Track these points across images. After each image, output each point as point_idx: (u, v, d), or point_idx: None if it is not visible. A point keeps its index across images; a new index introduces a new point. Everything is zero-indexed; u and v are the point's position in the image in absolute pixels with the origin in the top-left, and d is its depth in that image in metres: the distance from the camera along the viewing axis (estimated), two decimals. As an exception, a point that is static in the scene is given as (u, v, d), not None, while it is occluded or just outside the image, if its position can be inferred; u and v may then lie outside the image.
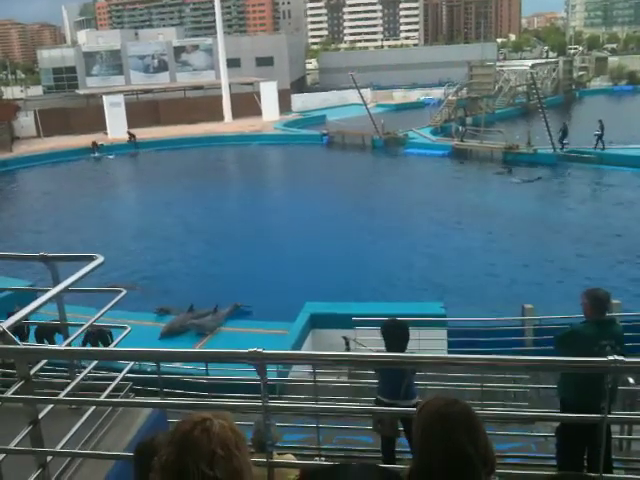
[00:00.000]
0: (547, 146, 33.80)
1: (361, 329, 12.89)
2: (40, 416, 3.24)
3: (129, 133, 46.03)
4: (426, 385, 8.39)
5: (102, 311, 4.33)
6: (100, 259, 4.19)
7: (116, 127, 47.37)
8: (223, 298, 17.19)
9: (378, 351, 6.37)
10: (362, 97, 43.21)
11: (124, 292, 4.49)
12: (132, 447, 3.95)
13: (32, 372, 3.25)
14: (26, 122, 51.21)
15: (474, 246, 21.52)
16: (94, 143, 43.88)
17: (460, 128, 39.70)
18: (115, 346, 4.50)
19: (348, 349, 12.83)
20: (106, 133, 47.40)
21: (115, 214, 29.63)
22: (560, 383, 5.47)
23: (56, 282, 4.09)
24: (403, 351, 5.70)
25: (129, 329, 4.65)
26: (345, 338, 12.82)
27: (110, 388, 4.21)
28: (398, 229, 23.86)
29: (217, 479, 1.75)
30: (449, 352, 12.91)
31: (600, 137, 33.09)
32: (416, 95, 67.30)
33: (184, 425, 1.83)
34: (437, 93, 57.88)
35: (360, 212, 26.62)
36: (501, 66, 58.23)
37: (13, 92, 72.79)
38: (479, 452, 2.16)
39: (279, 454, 4.82)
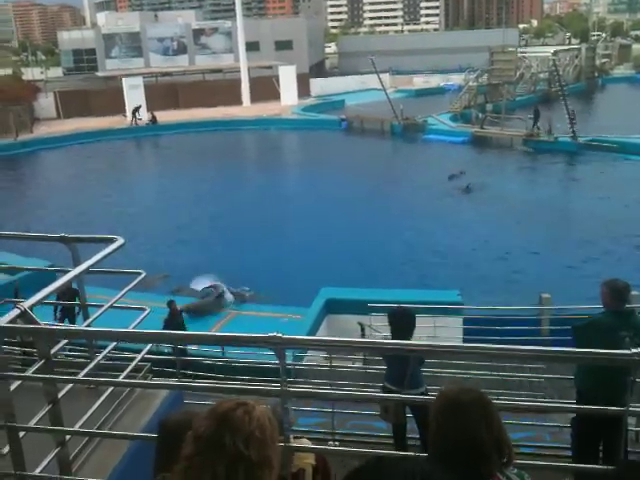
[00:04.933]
0: (568, 134, 33.43)
1: (376, 315, 12.93)
2: (59, 395, 3.27)
3: (152, 114, 46.35)
4: (439, 373, 8.38)
5: (122, 292, 4.36)
6: (120, 241, 4.20)
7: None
8: (239, 282, 17.34)
9: (393, 307, 6.37)
10: (381, 82, 42.87)
11: (144, 274, 4.51)
12: (149, 428, 4.00)
13: (52, 352, 3.29)
14: (46, 103, 51.50)
15: (492, 233, 21.41)
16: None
17: (480, 115, 39.36)
18: (134, 328, 4.52)
19: (363, 335, 12.85)
20: (125, 115, 47.51)
21: (132, 197, 29.73)
22: (577, 374, 5.43)
23: (76, 263, 4.11)
24: (408, 339, 5.69)
25: (148, 310, 4.67)
26: (360, 324, 12.83)
27: (129, 369, 4.25)
28: (417, 215, 23.78)
29: (250, 459, 1.77)
30: (464, 340, 12.91)
31: (571, 129, 33.43)
32: (436, 81, 66.67)
33: (227, 404, 1.87)
34: (457, 79, 57.26)
35: (378, 197, 26.55)
36: (523, 52, 57.37)
37: (33, 73, 73.05)
38: (493, 438, 2.16)
39: (294, 437, 4.85)
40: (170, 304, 12.58)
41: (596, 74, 64.31)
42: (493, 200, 25.57)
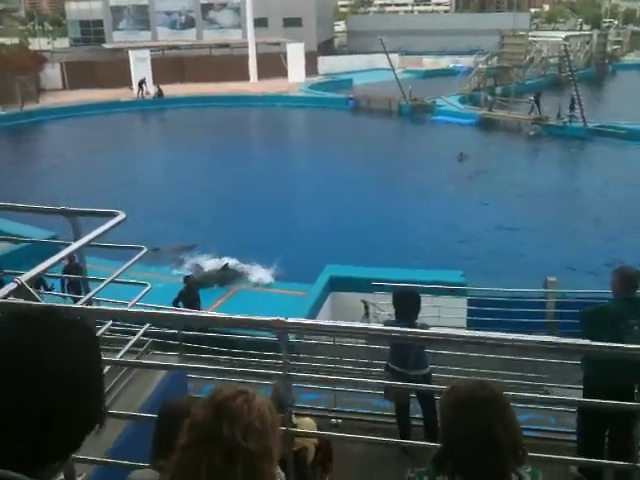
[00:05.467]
0: (578, 119, 33.18)
1: (380, 294, 12.88)
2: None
3: (158, 88, 46.07)
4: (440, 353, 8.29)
5: (122, 268, 4.27)
6: (122, 215, 4.11)
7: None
8: (244, 258, 17.31)
9: (397, 287, 6.30)
10: (390, 62, 42.44)
11: (145, 249, 4.43)
12: (148, 406, 3.93)
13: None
14: (52, 74, 51.16)
15: (498, 216, 21.32)
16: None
17: (489, 97, 39.03)
18: (135, 303, 4.43)
19: (367, 313, 12.83)
20: (131, 88, 47.21)
21: (135, 171, 29.55)
22: (585, 359, 5.33)
23: (77, 237, 4.02)
24: (412, 321, 5.62)
25: (149, 286, 4.58)
26: (364, 302, 12.79)
27: (128, 345, 4.17)
28: (422, 196, 23.67)
29: (248, 451, 1.69)
30: (468, 321, 12.87)
31: (571, 114, 33.80)
32: (445, 62, 66.07)
33: (226, 391, 1.78)
34: (467, 61, 56.68)
35: (385, 178, 26.41)
36: (534, 36, 56.80)
37: (40, 43, 72.45)
38: (509, 435, 2.10)
39: (297, 415, 4.80)
40: (187, 279, 12.57)
41: (607, 60, 63.67)
42: (498, 183, 25.43)
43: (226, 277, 15.76)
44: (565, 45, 44.30)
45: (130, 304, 4.29)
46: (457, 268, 15.19)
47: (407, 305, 5.69)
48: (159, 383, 4.37)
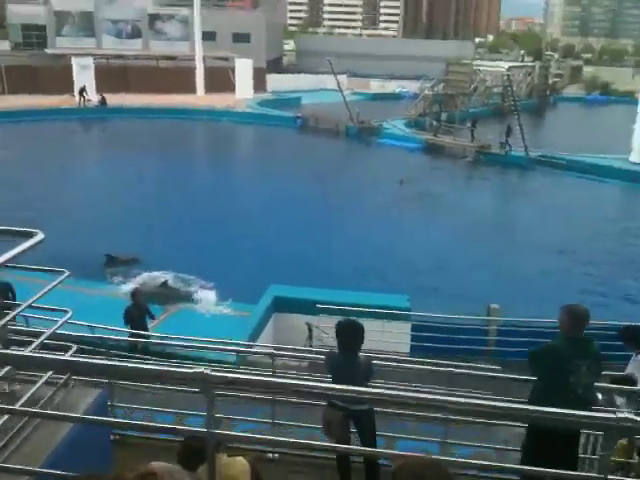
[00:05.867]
0: (519, 148, 33.97)
1: (325, 317, 12.66)
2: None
3: (101, 96, 45.07)
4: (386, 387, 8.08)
5: (42, 292, 3.89)
6: (40, 236, 3.75)
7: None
8: (186, 275, 16.85)
9: (340, 320, 6.12)
10: (338, 83, 42.76)
11: (67, 273, 4.04)
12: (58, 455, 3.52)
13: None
14: (-10, 77, 49.40)
15: (439, 241, 21.49)
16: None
17: (434, 123, 39.67)
18: (56, 330, 4.03)
19: (311, 336, 12.59)
20: (73, 95, 46.02)
21: (70, 182, 28.60)
22: (531, 399, 5.21)
23: None
24: (356, 353, 5.45)
25: (70, 314, 4.22)
26: (308, 325, 12.55)
27: (42, 382, 3.76)
28: (366, 219, 23.70)
29: None
30: (412, 347, 12.78)
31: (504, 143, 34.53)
32: (392, 86, 67.05)
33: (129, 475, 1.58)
34: (413, 86, 57.66)
35: (330, 199, 26.38)
36: (478, 65, 58.30)
37: (-22, 45, 70.09)
38: None
39: (229, 456, 4.49)
40: (135, 294, 12.02)
41: (548, 92, 65.80)
42: (440, 208, 25.72)
43: (165, 295, 15.23)
44: (508, 75, 45.51)
45: (49, 332, 3.92)
46: (403, 293, 15.16)
47: (350, 337, 5.53)
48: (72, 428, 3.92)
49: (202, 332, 13.26)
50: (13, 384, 3.85)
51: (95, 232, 20.74)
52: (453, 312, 14.09)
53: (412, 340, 12.78)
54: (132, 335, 11.28)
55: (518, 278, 18.41)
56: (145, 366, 2.65)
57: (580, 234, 22.70)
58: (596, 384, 5.17)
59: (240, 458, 4.57)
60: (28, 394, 3.67)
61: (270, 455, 6.12)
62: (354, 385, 5.27)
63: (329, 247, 20.42)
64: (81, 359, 3.21)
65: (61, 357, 3.17)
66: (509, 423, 6.88)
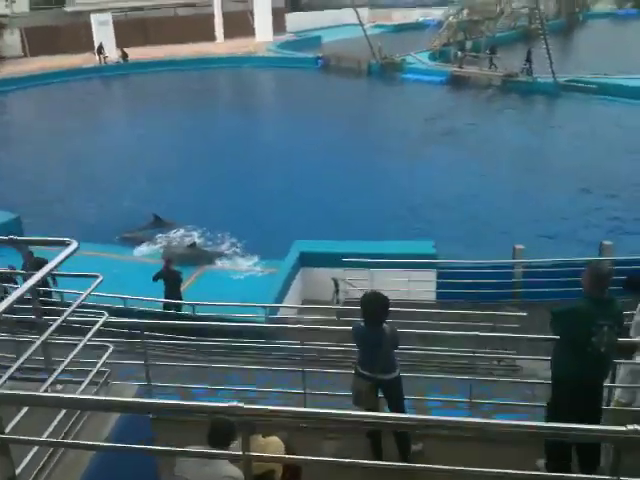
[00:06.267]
0: (547, 74, 32.90)
1: (350, 270, 12.87)
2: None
3: (122, 51, 44.88)
4: (410, 351, 8.24)
5: (82, 297, 4.11)
6: (75, 244, 3.90)
7: (105, 47, 45.80)
8: (212, 232, 17.17)
9: (366, 292, 6.25)
10: (360, 20, 41.63)
11: (100, 278, 4.23)
12: (113, 438, 3.83)
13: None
14: (12, 41, 49.51)
15: (468, 179, 21.26)
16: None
17: (459, 53, 38.60)
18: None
19: (337, 291, 12.82)
20: (94, 53, 45.87)
21: (100, 142, 28.89)
22: (555, 358, 5.35)
23: (26, 266, 3.90)
24: (381, 324, 5.58)
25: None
26: (334, 280, 12.76)
27: (85, 384, 4.02)
28: (391, 161, 23.52)
29: None
30: (438, 294, 12.94)
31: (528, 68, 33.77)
32: (416, 15, 65.00)
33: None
34: (437, 13, 55.86)
35: (355, 141, 26.22)
36: (504, -14, 55.93)
37: (-3, 6, 69.86)
38: None
39: (264, 435, 4.75)
40: (168, 260, 12.43)
41: (577, 9, 63.09)
42: (468, 143, 25.35)
43: (194, 256, 15.59)
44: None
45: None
46: (428, 237, 15.24)
47: (375, 310, 5.64)
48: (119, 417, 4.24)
49: (231, 291, 13.70)
50: (55, 385, 4.12)
51: (122, 191, 21.20)
52: (479, 254, 14.20)
53: (438, 287, 12.91)
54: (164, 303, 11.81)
55: (549, 215, 18.24)
56: (182, 402, 2.78)
57: (614, 165, 22.16)
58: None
59: (274, 438, 4.83)
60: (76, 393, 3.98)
61: (302, 424, 6.37)
62: (381, 354, 5.51)
63: (354, 192, 20.40)
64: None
65: (108, 398, 3.34)
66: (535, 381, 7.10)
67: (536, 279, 12.45)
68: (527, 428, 2.75)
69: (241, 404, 2.61)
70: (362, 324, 5.75)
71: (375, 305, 5.62)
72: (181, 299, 12.23)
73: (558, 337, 5.29)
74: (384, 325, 5.63)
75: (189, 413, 2.75)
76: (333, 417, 2.60)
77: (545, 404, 5.60)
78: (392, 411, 5.80)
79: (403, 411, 5.82)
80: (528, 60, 34.18)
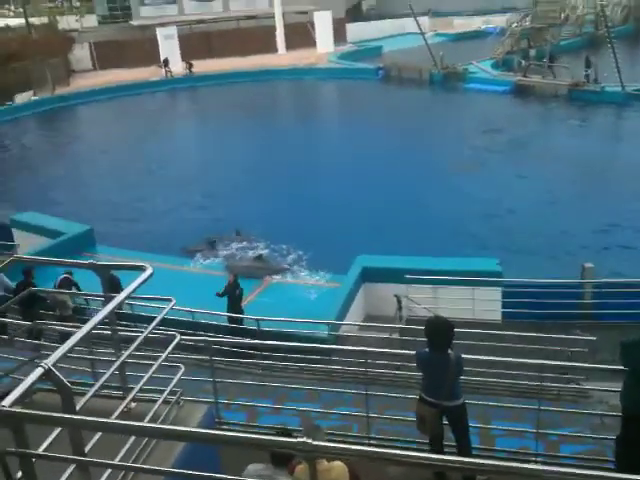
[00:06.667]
0: (615, 83, 31.96)
1: (414, 286, 12.76)
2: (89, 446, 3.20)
3: (188, 63, 45.81)
4: (477, 382, 8.12)
5: (156, 321, 4.25)
6: (149, 270, 4.07)
7: (170, 60, 46.97)
8: (277, 244, 17.36)
9: (430, 317, 6.21)
10: (420, 29, 41.46)
11: (173, 302, 4.36)
12: (182, 459, 3.94)
13: (78, 407, 3.21)
14: (81, 55, 51.34)
15: (534, 193, 20.86)
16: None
17: (523, 62, 37.94)
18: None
19: (400, 307, 12.74)
20: (160, 66, 47.09)
21: (169, 153, 29.69)
22: (625, 392, 5.19)
23: (105, 289, 4.19)
24: (445, 351, 5.52)
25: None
26: (397, 297, 12.69)
27: (161, 399, 4.14)
28: (457, 171, 23.24)
29: None
30: (503, 313, 12.68)
31: (588, 75, 33.18)
32: (477, 23, 64.26)
33: None
34: (499, 21, 55.17)
35: (417, 152, 26.06)
36: (569, -9, 54.66)
37: (68, 21, 72.47)
38: None
39: (329, 460, 4.77)
40: (230, 275, 12.67)
41: (646, 14, 60.97)
42: (535, 154, 24.86)
43: (260, 268, 15.81)
44: (601, 0, 42.60)
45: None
46: (492, 253, 15.03)
47: (440, 336, 5.60)
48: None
49: (295, 304, 13.83)
50: (130, 404, 4.26)
51: (187, 203, 21.75)
52: (547, 272, 13.90)
53: (503, 306, 12.66)
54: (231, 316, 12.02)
55: (620, 232, 17.67)
56: (249, 435, 2.81)
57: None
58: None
59: (338, 463, 4.86)
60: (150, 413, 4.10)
61: (366, 443, 6.38)
62: (446, 380, 5.48)
63: (416, 204, 20.31)
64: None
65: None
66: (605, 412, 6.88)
67: (607, 300, 12.08)
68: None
69: (309, 440, 2.63)
70: (426, 349, 5.71)
71: (440, 332, 5.60)
72: (242, 313, 12.40)
73: (628, 369, 5.16)
74: (449, 351, 5.59)
75: (258, 446, 2.77)
76: (399, 458, 2.58)
77: (615, 437, 5.45)
78: (456, 438, 5.76)
79: (468, 439, 5.76)
80: (588, 67, 33.52)
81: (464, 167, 23.73)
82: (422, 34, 41.55)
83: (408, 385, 7.81)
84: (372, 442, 6.36)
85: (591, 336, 9.59)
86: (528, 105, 33.87)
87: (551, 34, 43.47)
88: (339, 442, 5.27)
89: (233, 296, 12.39)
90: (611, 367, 6.32)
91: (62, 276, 12.02)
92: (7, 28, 51.93)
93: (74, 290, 11.62)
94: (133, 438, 3.73)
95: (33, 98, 40.94)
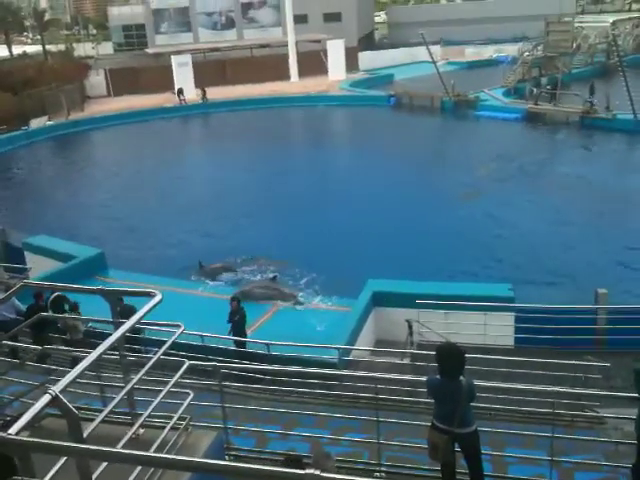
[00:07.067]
0: (627, 111, 31.98)
1: (425, 311, 12.67)
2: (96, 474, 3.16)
3: (202, 90, 46.35)
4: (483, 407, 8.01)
5: (165, 347, 4.24)
6: (158, 296, 4.07)
7: (184, 87, 47.55)
8: (288, 269, 17.33)
9: (441, 344, 6.13)
10: (432, 57, 41.75)
11: (182, 328, 4.35)
12: None
13: (85, 435, 3.18)
14: (96, 81, 52.10)
15: (546, 220, 20.79)
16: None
17: (534, 90, 38.10)
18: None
19: (411, 332, 12.63)
20: (174, 93, 47.65)
21: (181, 177, 29.89)
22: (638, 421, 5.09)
23: (115, 315, 4.23)
24: (457, 377, 5.44)
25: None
26: (408, 322, 12.59)
27: (170, 425, 4.09)
28: (466, 199, 23.23)
29: None
30: (516, 339, 12.55)
31: (591, 102, 33.50)
32: (489, 52, 64.79)
33: None
34: (511, 50, 55.53)
35: (428, 179, 26.07)
36: (580, 22, 55.13)
37: (85, 49, 73.94)
38: None
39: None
40: (232, 301, 12.61)
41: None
42: (547, 182, 24.82)
43: (272, 291, 15.78)
44: (613, 30, 42.86)
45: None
46: (504, 278, 14.92)
47: (451, 363, 5.52)
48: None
49: (305, 328, 13.75)
50: (138, 430, 4.23)
51: (201, 226, 21.83)
52: (560, 298, 13.77)
53: (516, 332, 12.54)
54: (237, 340, 11.97)
55: (632, 258, 17.52)
56: (257, 467, 2.73)
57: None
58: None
59: None
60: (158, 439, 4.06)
61: (377, 474, 6.27)
62: (458, 407, 5.39)
63: (427, 230, 20.28)
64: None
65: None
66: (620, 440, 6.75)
67: (621, 326, 11.93)
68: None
69: (317, 472, 2.55)
70: (437, 376, 5.63)
71: (452, 359, 5.51)
72: (245, 336, 12.36)
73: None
74: (461, 378, 5.51)
75: (266, 477, 2.70)
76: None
77: (631, 465, 5.34)
78: (469, 466, 5.66)
79: (480, 467, 5.66)
80: (592, 94, 34.06)
81: (475, 194, 23.71)
82: (434, 62, 41.86)
83: (419, 411, 7.70)
84: (383, 469, 6.25)
85: (605, 362, 9.49)
86: (539, 132, 33.95)
87: (562, 63, 43.67)
88: (349, 469, 5.22)
89: (234, 322, 12.37)
90: (626, 394, 6.21)
91: (55, 294, 11.99)
92: (24, 55, 52.95)
93: (66, 307, 11.66)
94: (138, 468, 3.70)
95: (48, 123, 41.47)
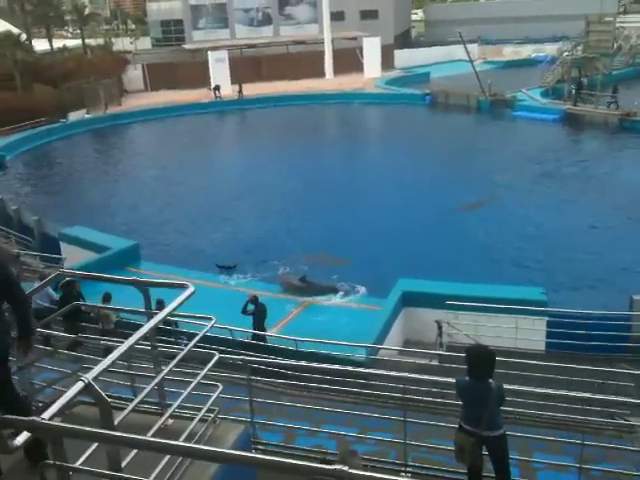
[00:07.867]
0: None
1: (455, 312, 12.58)
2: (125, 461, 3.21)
3: (238, 85, 46.55)
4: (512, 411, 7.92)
5: (196, 339, 4.28)
6: (191, 288, 4.12)
7: (220, 83, 47.88)
8: (320, 267, 17.35)
9: (471, 345, 6.07)
10: (469, 56, 41.35)
11: (214, 320, 4.40)
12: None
13: (116, 422, 3.23)
14: (134, 76, 52.77)
15: (582, 222, 20.48)
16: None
17: (573, 91, 37.47)
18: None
19: (441, 334, 12.56)
20: (210, 88, 48.01)
21: (216, 173, 30.15)
22: None
23: (148, 305, 4.29)
24: (486, 380, 5.38)
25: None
26: (438, 322, 12.52)
27: (198, 417, 4.12)
28: (504, 200, 22.97)
29: None
30: (547, 344, 12.38)
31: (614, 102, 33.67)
32: (527, 51, 63.92)
33: None
34: (550, 49, 54.69)
35: (463, 180, 25.81)
36: (621, 22, 54.03)
37: (123, 43, 74.77)
38: None
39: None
40: (254, 300, 12.68)
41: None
42: (584, 185, 24.41)
43: (302, 288, 15.80)
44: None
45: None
46: (537, 282, 14.74)
47: (481, 365, 5.45)
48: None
49: (334, 326, 13.75)
50: (167, 420, 4.27)
51: (239, 220, 22.01)
52: (594, 303, 13.54)
53: (548, 337, 12.37)
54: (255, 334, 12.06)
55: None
56: (285, 460, 2.75)
57: None
58: None
59: None
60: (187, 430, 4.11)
61: (403, 474, 6.23)
62: (487, 410, 5.34)
63: (460, 230, 20.14)
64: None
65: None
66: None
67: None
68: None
69: (345, 468, 2.55)
70: (466, 378, 5.58)
71: (482, 361, 5.44)
72: (265, 330, 12.49)
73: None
74: (490, 380, 5.44)
75: (293, 471, 2.71)
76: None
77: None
78: (496, 470, 5.59)
79: (508, 471, 5.59)
80: (614, 92, 33.89)
81: (510, 194, 23.44)
82: (471, 61, 41.43)
83: (447, 413, 7.64)
84: (409, 469, 6.21)
85: (638, 370, 9.32)
86: (577, 134, 33.40)
87: (603, 64, 42.87)
88: (375, 468, 5.20)
89: (257, 315, 12.46)
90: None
91: (66, 279, 11.80)
92: (64, 49, 53.75)
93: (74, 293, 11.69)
94: (169, 455, 3.74)
95: (86, 116, 42.14)
